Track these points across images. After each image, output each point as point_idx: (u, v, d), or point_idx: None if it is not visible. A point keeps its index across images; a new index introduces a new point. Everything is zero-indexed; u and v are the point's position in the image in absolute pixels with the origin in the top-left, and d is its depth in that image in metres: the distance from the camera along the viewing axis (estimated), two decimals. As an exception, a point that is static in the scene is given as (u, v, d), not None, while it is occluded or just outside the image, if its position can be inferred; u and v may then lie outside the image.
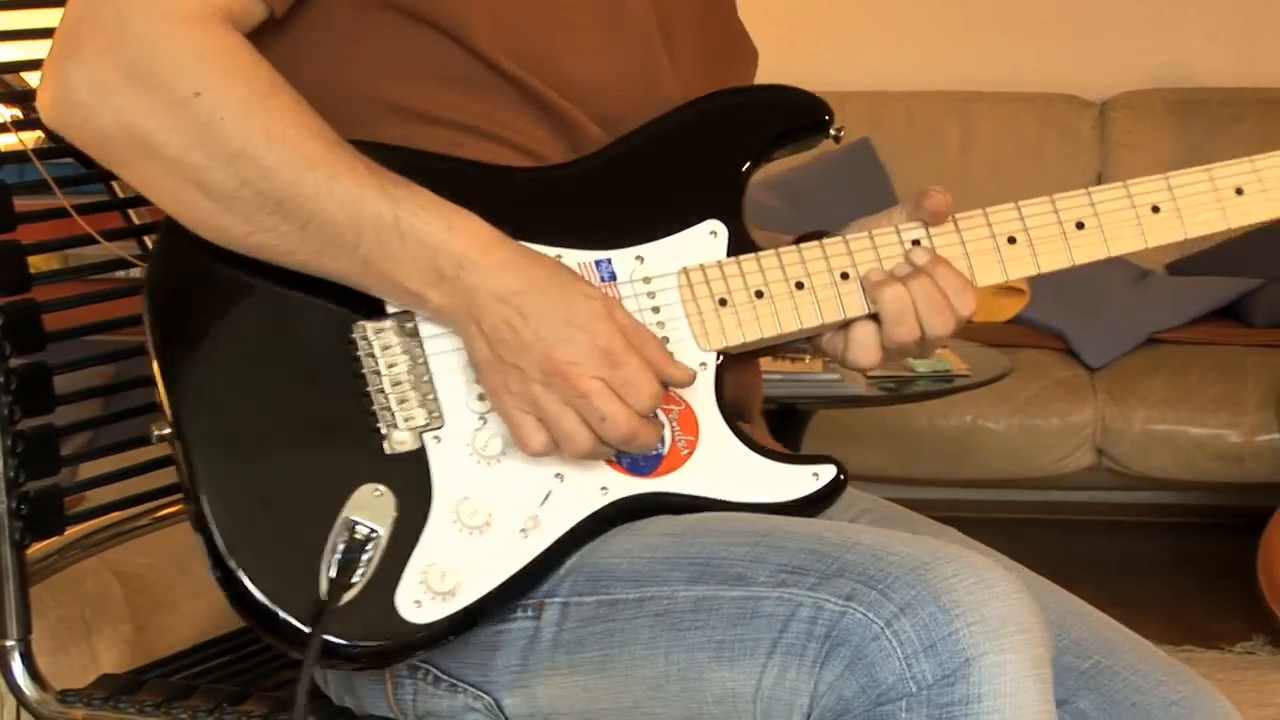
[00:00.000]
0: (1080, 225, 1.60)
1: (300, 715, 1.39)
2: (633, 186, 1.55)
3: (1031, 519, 4.72)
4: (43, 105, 1.41)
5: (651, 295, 1.51)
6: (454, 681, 1.50)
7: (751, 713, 1.35)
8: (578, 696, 1.45)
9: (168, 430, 1.42)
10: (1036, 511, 4.68)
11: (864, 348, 1.54)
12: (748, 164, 1.57)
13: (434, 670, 1.50)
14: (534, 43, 1.52)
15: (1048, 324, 4.59)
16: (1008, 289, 4.66)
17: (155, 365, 1.44)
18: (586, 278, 1.48)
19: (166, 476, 1.83)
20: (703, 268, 1.52)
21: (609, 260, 1.51)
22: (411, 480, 1.43)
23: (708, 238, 1.54)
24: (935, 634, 1.27)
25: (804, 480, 1.51)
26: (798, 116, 1.61)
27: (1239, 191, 1.62)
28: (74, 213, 1.72)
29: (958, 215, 1.56)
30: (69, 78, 1.38)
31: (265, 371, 1.44)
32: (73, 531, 1.79)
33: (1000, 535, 1.96)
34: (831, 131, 1.62)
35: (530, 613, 1.46)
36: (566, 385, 1.38)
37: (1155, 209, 1.60)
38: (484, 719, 1.50)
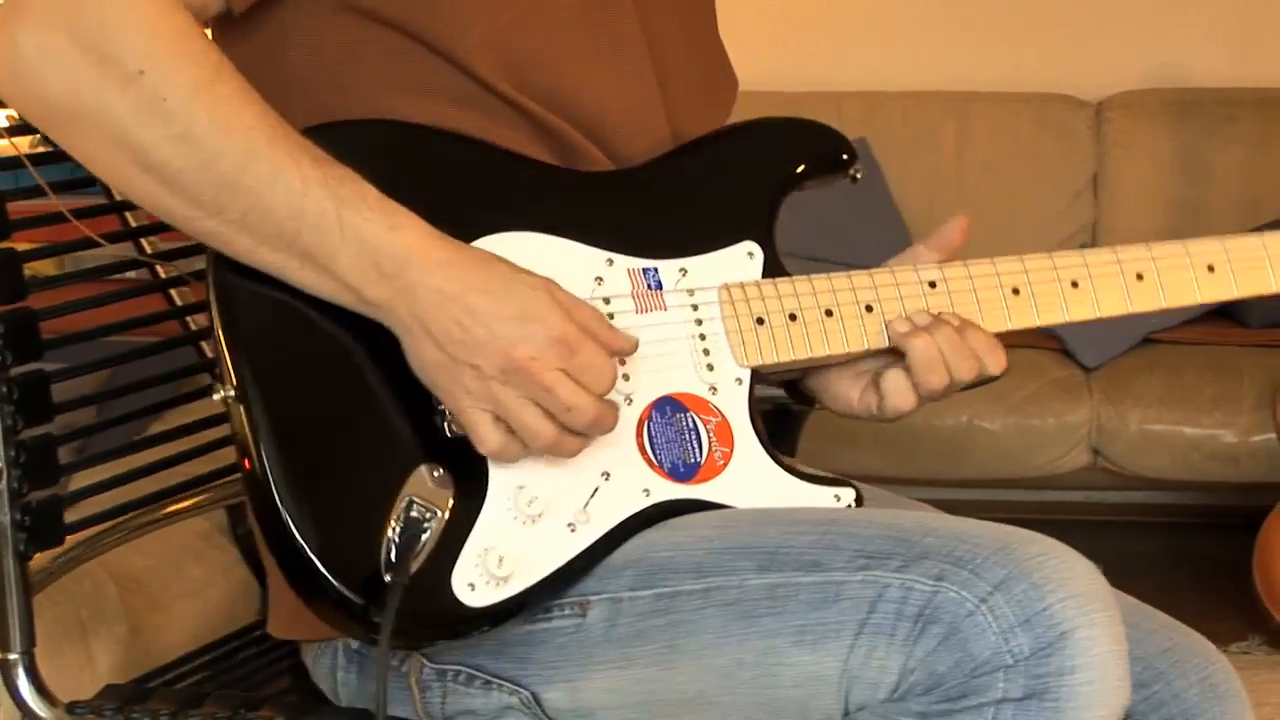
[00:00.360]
0: (1075, 284, 1.67)
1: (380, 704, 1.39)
2: (677, 201, 1.60)
3: (1027, 519, 4.64)
4: None
5: (695, 308, 1.56)
6: (488, 678, 1.52)
7: (834, 693, 1.40)
8: (631, 690, 1.48)
9: (231, 392, 1.42)
10: (1032, 512, 4.67)
11: (900, 394, 1.60)
12: (780, 193, 1.64)
13: (465, 669, 1.52)
14: (531, 66, 1.53)
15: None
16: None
17: (221, 333, 1.43)
18: (634, 285, 1.53)
19: (158, 481, 1.83)
20: (743, 286, 1.58)
21: (656, 269, 1.56)
22: (469, 464, 1.45)
23: (745, 258, 1.60)
24: (1030, 609, 1.34)
25: (825, 501, 1.57)
26: (826, 156, 1.69)
27: (1210, 269, 1.70)
28: (72, 217, 1.72)
29: (969, 261, 1.64)
30: (16, 41, 1.36)
31: (330, 352, 1.45)
32: (70, 539, 1.79)
33: (996, 536, 1.95)
34: (850, 172, 1.70)
35: (571, 610, 1.49)
36: (528, 381, 1.39)
37: (1140, 276, 1.68)
38: (522, 715, 1.52)
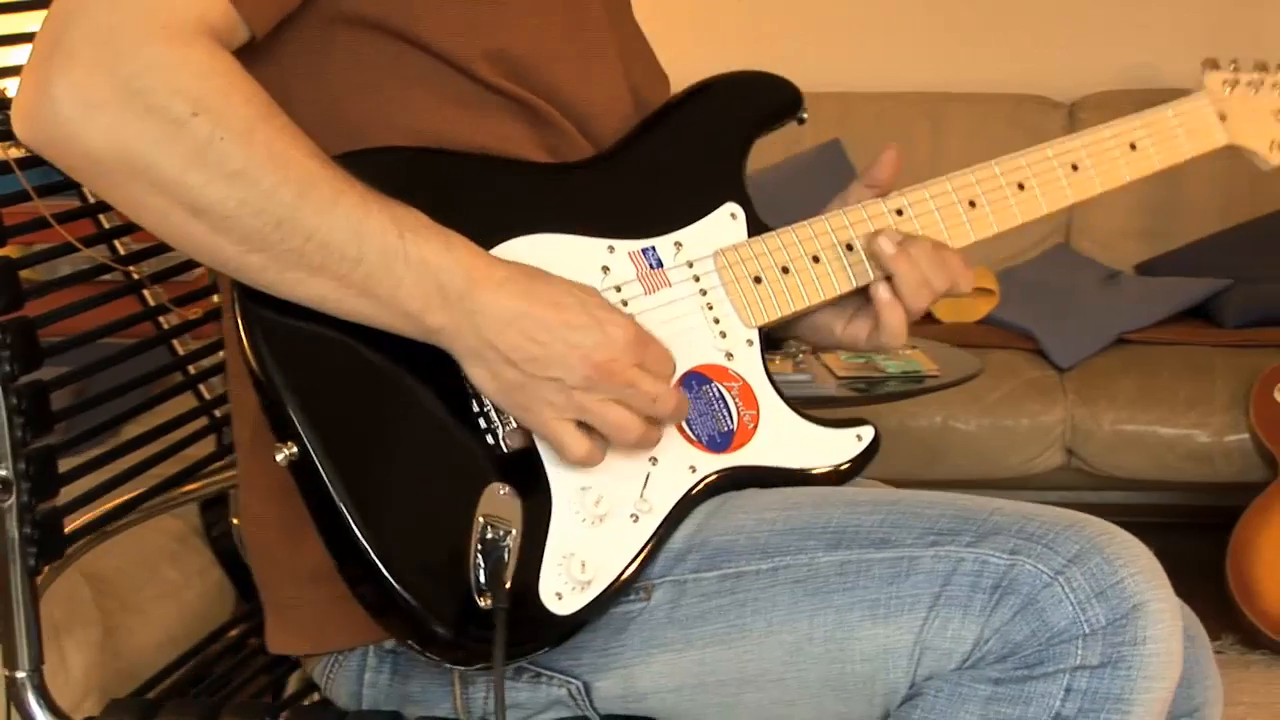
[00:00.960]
0: (1021, 186, 1.74)
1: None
2: (656, 176, 1.61)
3: (1002, 519, 4.70)
4: (21, 118, 1.33)
5: (697, 279, 1.59)
6: (539, 671, 1.53)
7: (904, 666, 1.45)
8: (690, 671, 1.50)
9: (295, 451, 1.39)
10: (1007, 512, 4.68)
11: (896, 333, 1.65)
12: (744, 146, 1.67)
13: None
14: (527, 64, 1.54)
15: (1017, 324, 4.59)
16: (978, 290, 4.67)
17: (271, 387, 1.40)
18: (638, 267, 1.55)
19: (137, 485, 1.83)
20: (735, 248, 1.61)
21: (654, 248, 1.58)
22: (530, 476, 1.46)
23: (729, 220, 1.62)
24: (1104, 581, 1.41)
25: (851, 443, 1.63)
26: (777, 104, 1.70)
27: (1133, 146, 1.82)
28: (54, 222, 1.71)
29: (926, 182, 1.71)
30: (54, 91, 1.30)
31: (376, 385, 1.43)
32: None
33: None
34: (799, 114, 1.72)
35: (638, 595, 1.51)
36: (612, 381, 1.41)
37: (1074, 167, 1.77)
38: (568, 707, 1.54)
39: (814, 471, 1.60)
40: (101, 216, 1.95)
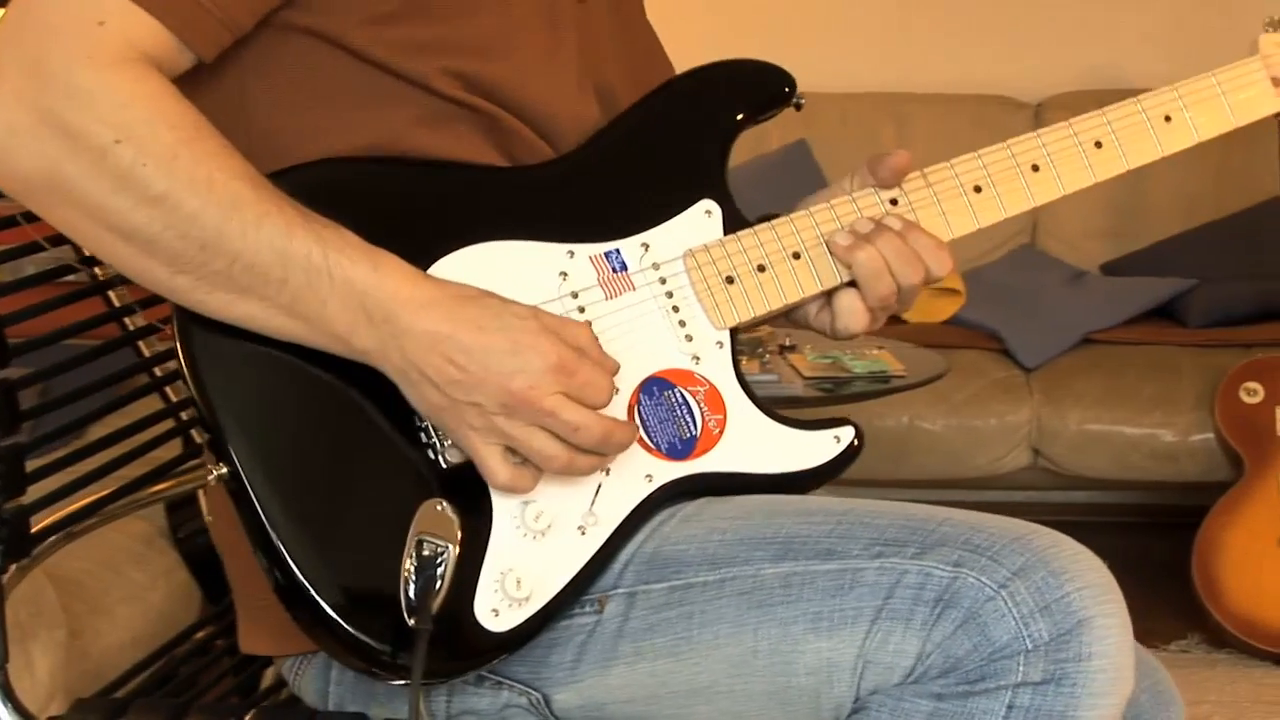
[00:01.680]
0: (1035, 168, 1.65)
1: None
2: (627, 175, 1.58)
3: (968, 519, 4.71)
4: None
5: (663, 281, 1.55)
6: (500, 679, 1.52)
7: (848, 679, 1.43)
8: (643, 683, 1.49)
9: (225, 471, 1.41)
10: (973, 511, 4.69)
11: (851, 314, 1.61)
12: (726, 140, 1.62)
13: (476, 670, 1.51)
14: (488, 73, 1.52)
15: (983, 325, 4.61)
16: (944, 290, 4.68)
17: (204, 407, 1.42)
18: (599, 271, 1.52)
19: (103, 486, 1.82)
20: (707, 248, 1.57)
21: (617, 250, 1.55)
22: (470, 492, 1.44)
23: (704, 217, 1.58)
24: (1049, 596, 1.38)
25: (828, 444, 1.59)
26: (767, 88, 1.66)
27: (1167, 119, 1.70)
28: (24, 220, 1.70)
29: (926, 170, 1.65)
30: None
31: (312, 402, 1.44)
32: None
33: (937, 535, 1.96)
34: (794, 100, 1.67)
35: (591, 608, 1.50)
36: (530, 409, 1.39)
37: (1098, 144, 1.67)
38: (527, 715, 1.53)
39: (785, 475, 1.57)
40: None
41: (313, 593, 1.39)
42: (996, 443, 4.37)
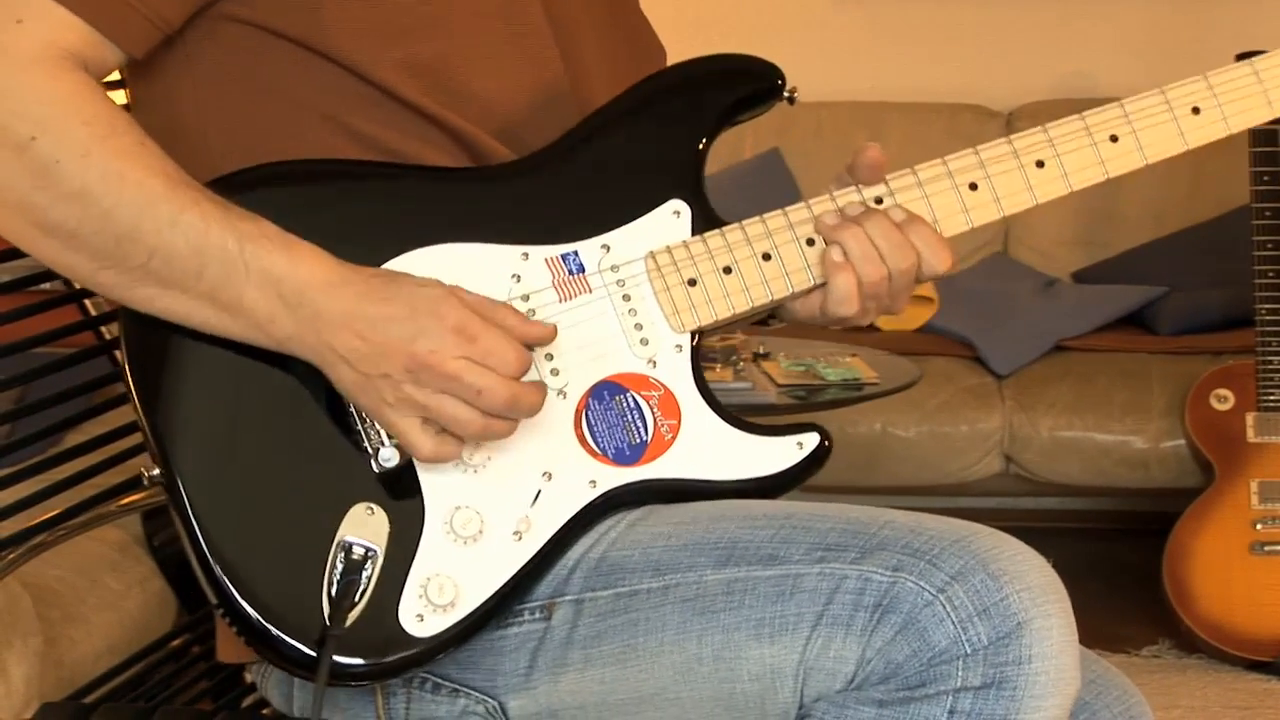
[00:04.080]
0: (1040, 164, 1.60)
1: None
2: (593, 175, 1.55)
3: (941, 525, 4.71)
4: None
5: (621, 283, 1.53)
6: (456, 686, 1.52)
7: (791, 686, 1.42)
8: (592, 690, 1.48)
9: (157, 472, 1.42)
10: (946, 518, 4.70)
11: (844, 299, 1.55)
12: (704, 139, 1.58)
13: (432, 678, 1.52)
14: (438, 70, 1.52)
15: (956, 332, 4.62)
16: (916, 298, 4.69)
17: (138, 407, 1.44)
18: (555, 273, 1.50)
19: (77, 494, 1.82)
20: (669, 249, 1.54)
21: (575, 253, 1.52)
22: (403, 496, 1.45)
23: (671, 218, 1.55)
24: (988, 599, 1.37)
25: (789, 451, 1.54)
26: (752, 82, 1.62)
27: (1195, 111, 1.61)
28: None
29: (918, 166, 1.59)
30: None
31: (249, 403, 1.44)
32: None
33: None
34: (785, 93, 1.63)
35: (539, 614, 1.50)
36: (433, 374, 1.39)
37: (1114, 138, 1.61)
38: None
39: (743, 482, 1.54)
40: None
41: (233, 591, 1.40)
42: (969, 449, 4.38)
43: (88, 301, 2.01)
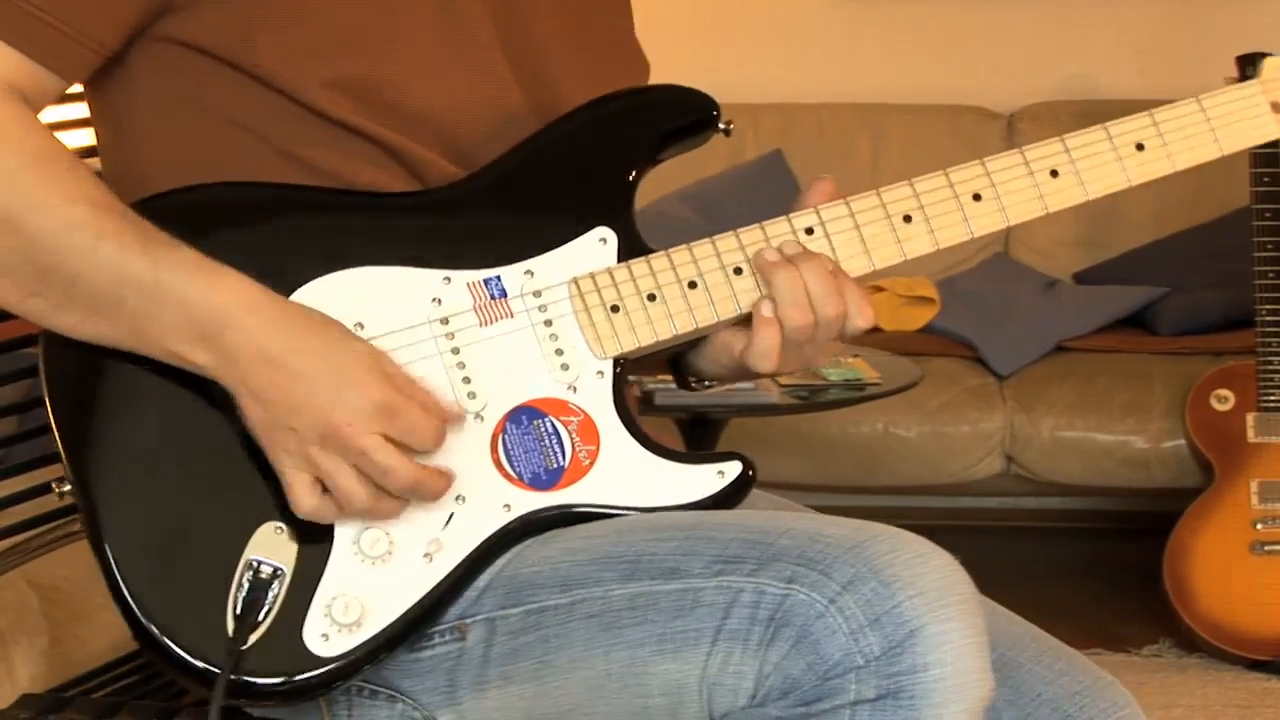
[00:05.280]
0: (977, 197, 1.60)
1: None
2: (520, 201, 1.54)
3: (942, 525, 4.68)
4: None
5: (543, 309, 1.51)
6: (393, 693, 1.51)
7: (698, 703, 1.39)
8: (515, 706, 1.47)
9: (68, 486, 1.44)
10: (947, 518, 4.70)
11: (765, 353, 1.53)
12: (635, 169, 1.56)
13: (370, 685, 1.51)
14: (374, 87, 1.51)
15: (957, 333, 4.63)
16: (918, 299, 4.71)
17: (53, 421, 1.44)
18: (476, 298, 1.50)
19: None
20: (593, 276, 1.53)
21: (498, 278, 1.51)
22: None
23: (597, 245, 1.54)
24: (879, 608, 1.33)
25: (709, 479, 1.52)
26: (684, 115, 1.59)
27: (1139, 147, 1.62)
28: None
29: (850, 198, 1.57)
30: None
31: (162, 420, 1.45)
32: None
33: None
34: (720, 126, 1.59)
35: (453, 635, 1.48)
36: (344, 445, 1.39)
37: (1054, 173, 1.61)
38: None
39: (659, 510, 1.50)
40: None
41: (134, 606, 1.41)
42: (970, 450, 4.39)
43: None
